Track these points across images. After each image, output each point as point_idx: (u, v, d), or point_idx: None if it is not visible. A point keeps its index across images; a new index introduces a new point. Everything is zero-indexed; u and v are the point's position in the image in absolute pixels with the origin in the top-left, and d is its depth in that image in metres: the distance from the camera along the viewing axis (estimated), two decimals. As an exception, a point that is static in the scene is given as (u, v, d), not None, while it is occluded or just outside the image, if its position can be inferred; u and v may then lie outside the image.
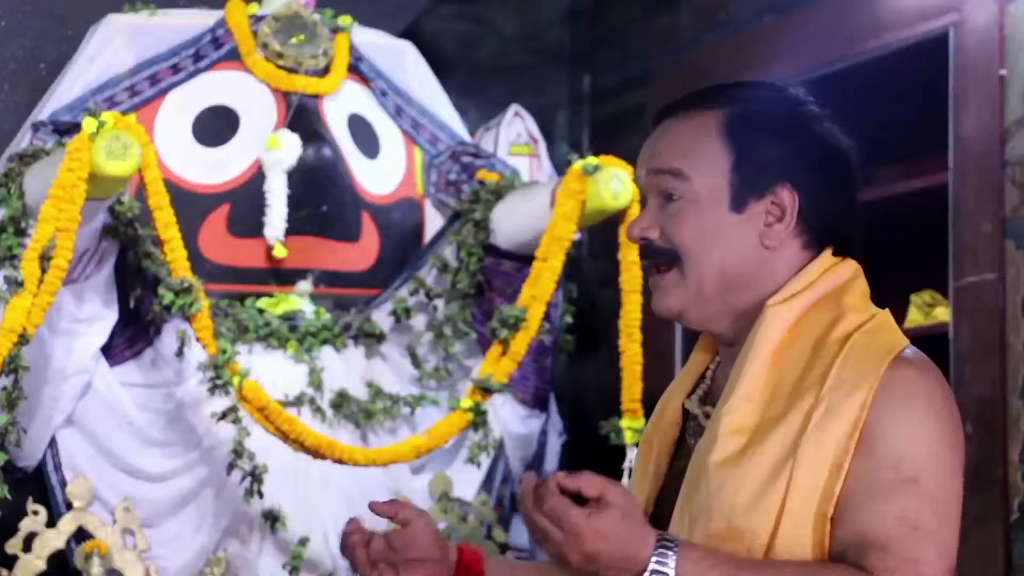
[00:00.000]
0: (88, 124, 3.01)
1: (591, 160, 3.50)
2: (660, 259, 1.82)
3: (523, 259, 3.65)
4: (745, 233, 1.79)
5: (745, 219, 1.79)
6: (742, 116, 1.81)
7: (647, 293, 3.53)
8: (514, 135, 4.24)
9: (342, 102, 3.77)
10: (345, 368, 3.68)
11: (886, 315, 1.80)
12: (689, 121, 1.82)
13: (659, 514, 1.80)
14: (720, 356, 1.89)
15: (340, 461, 3.38)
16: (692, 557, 1.62)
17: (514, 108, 4.27)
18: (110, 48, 3.65)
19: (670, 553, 1.61)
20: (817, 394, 1.69)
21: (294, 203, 3.59)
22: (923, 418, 1.68)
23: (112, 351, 3.40)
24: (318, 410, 3.57)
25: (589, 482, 1.61)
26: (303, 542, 3.45)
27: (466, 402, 3.50)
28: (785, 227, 1.79)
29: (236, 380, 3.26)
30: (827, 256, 1.81)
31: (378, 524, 1.85)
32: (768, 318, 1.77)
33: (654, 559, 1.61)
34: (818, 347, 1.74)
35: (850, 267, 1.82)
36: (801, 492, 1.67)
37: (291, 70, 3.68)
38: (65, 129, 3.45)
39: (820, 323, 1.76)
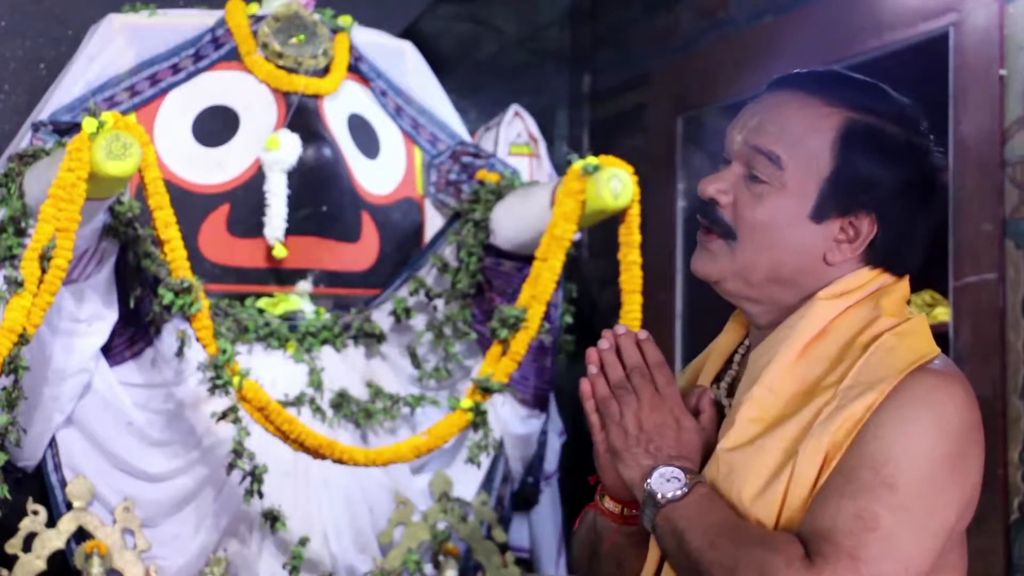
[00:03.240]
0: (88, 124, 3.00)
1: (591, 160, 3.49)
2: (715, 227, 1.80)
3: (523, 259, 3.65)
4: (813, 242, 1.77)
5: (818, 229, 1.77)
6: (861, 131, 1.76)
7: (647, 293, 3.53)
8: (514, 135, 4.24)
9: (342, 102, 3.77)
10: (345, 368, 3.68)
11: (920, 320, 1.78)
12: (807, 109, 1.78)
13: None
14: (750, 339, 1.88)
15: (340, 461, 3.38)
16: (702, 491, 1.73)
17: (514, 108, 4.27)
18: (110, 48, 3.64)
19: (688, 474, 1.74)
20: (834, 392, 1.69)
21: (294, 203, 3.59)
22: (923, 428, 1.65)
23: (112, 351, 3.40)
24: (318, 410, 3.57)
25: (705, 395, 1.81)
26: (303, 542, 3.45)
27: (466, 402, 3.50)
28: (853, 250, 1.78)
29: (236, 380, 3.26)
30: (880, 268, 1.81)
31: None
32: (813, 310, 1.75)
33: (675, 465, 1.75)
34: (846, 347, 1.73)
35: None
36: (799, 483, 1.68)
37: (291, 70, 3.67)
38: (65, 129, 3.44)
39: (855, 321, 1.75)
